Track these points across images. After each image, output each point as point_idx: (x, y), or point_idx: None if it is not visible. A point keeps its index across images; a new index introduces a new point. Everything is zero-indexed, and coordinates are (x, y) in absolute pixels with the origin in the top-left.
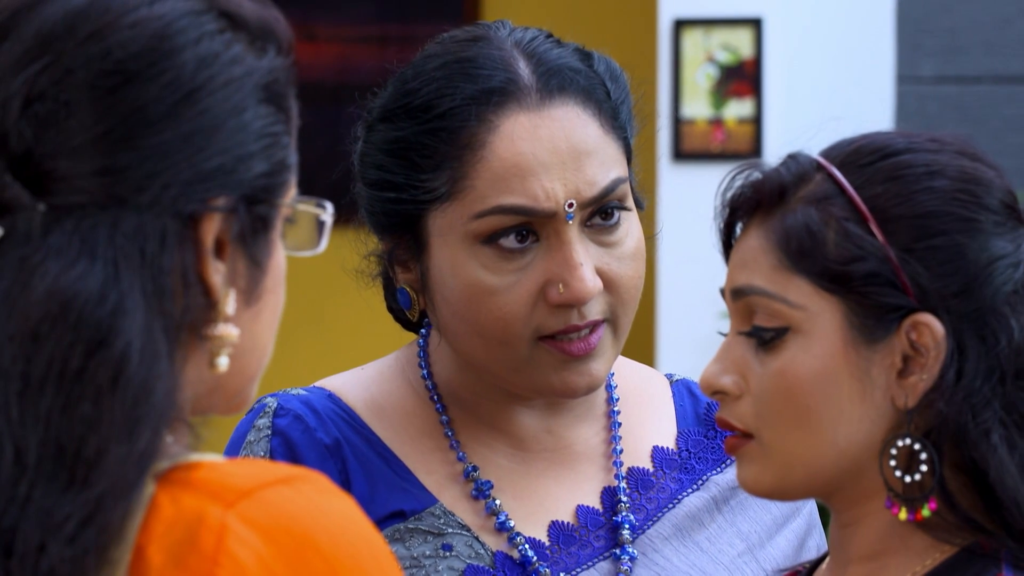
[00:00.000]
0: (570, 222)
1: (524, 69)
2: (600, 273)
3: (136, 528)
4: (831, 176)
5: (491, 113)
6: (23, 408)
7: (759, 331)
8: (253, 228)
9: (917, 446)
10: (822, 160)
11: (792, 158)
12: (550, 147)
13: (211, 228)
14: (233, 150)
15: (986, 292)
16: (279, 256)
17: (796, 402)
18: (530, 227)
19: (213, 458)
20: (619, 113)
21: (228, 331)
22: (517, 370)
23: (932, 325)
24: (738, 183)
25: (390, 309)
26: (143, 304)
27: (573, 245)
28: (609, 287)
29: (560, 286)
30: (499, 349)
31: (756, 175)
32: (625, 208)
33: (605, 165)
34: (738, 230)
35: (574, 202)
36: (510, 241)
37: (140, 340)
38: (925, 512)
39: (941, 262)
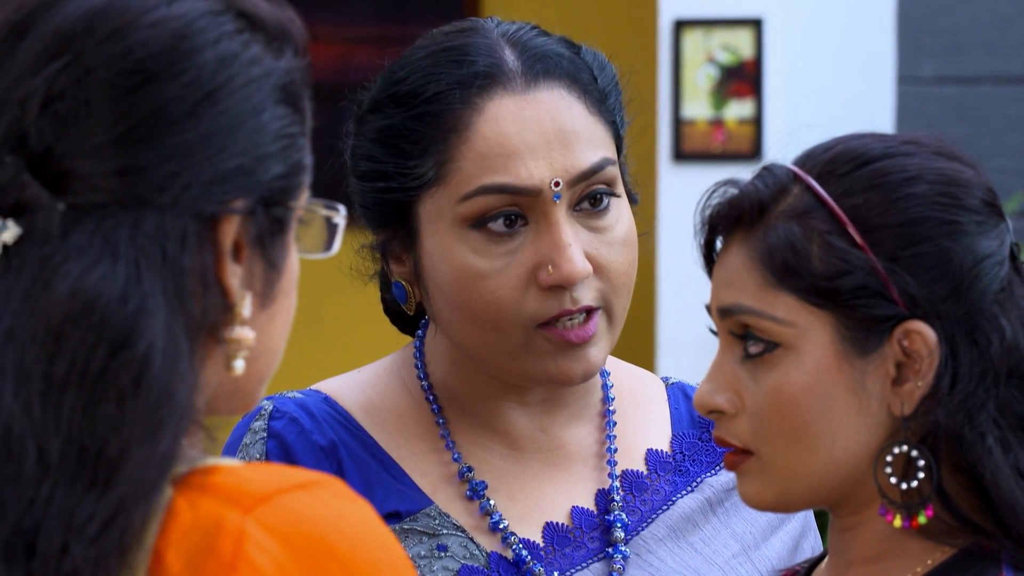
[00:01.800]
0: (557, 202)
1: (509, 55)
2: (590, 258)
3: (155, 533)
4: (810, 188)
5: (476, 96)
6: (45, 408)
7: (752, 339)
8: (270, 230)
9: (914, 453)
10: (799, 172)
11: (768, 171)
12: (536, 128)
13: (230, 230)
14: (252, 151)
15: (974, 294)
16: (293, 258)
17: (793, 418)
18: (519, 211)
19: (230, 462)
20: (606, 99)
21: (244, 334)
22: (513, 356)
23: (924, 332)
24: (715, 200)
25: (387, 311)
26: (165, 305)
27: (561, 226)
28: (599, 272)
29: (549, 267)
30: (493, 335)
31: (733, 191)
32: (614, 194)
33: (592, 145)
34: (718, 244)
35: (560, 181)
36: (498, 225)
37: (162, 341)
38: (921, 519)
39: (928, 268)
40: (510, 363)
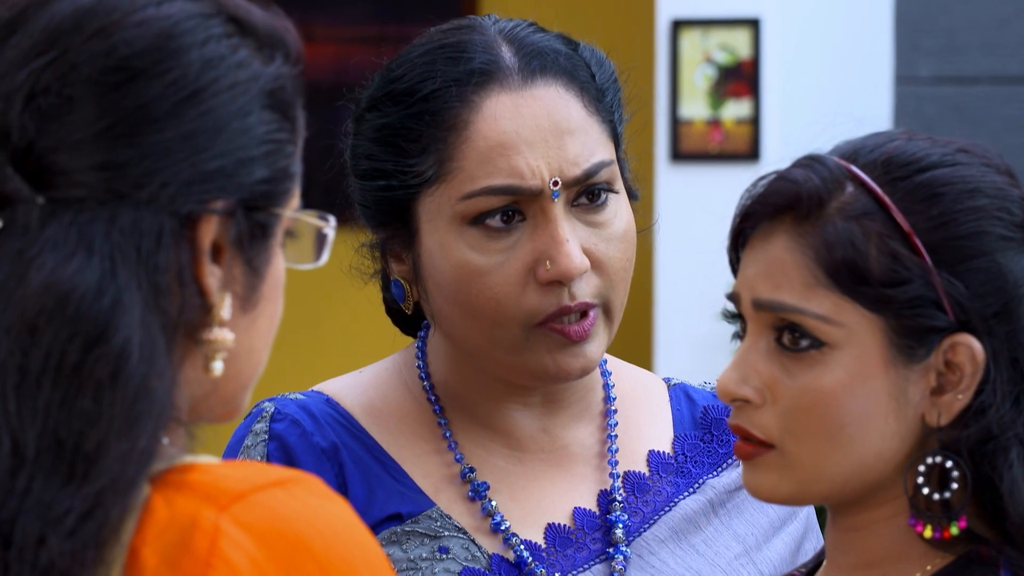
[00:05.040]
0: (556, 200)
1: (506, 52)
2: (587, 253)
3: (131, 530)
4: (870, 191)
5: (473, 94)
6: (20, 401)
7: (799, 331)
8: (251, 234)
9: (949, 463)
10: (858, 172)
11: (819, 163)
12: (532, 124)
13: (208, 230)
14: (234, 153)
15: (1020, 311)
16: (278, 265)
17: (830, 419)
18: (516, 207)
19: (208, 460)
20: (604, 96)
21: (223, 335)
22: (511, 352)
23: (973, 346)
24: (762, 187)
25: (389, 312)
26: (140, 300)
27: (559, 222)
28: (597, 268)
29: (547, 263)
30: (492, 331)
31: (782, 179)
32: (612, 191)
33: (588, 146)
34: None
35: (559, 180)
36: (496, 221)
37: (139, 336)
38: (954, 530)
39: (982, 282)
40: (509, 359)
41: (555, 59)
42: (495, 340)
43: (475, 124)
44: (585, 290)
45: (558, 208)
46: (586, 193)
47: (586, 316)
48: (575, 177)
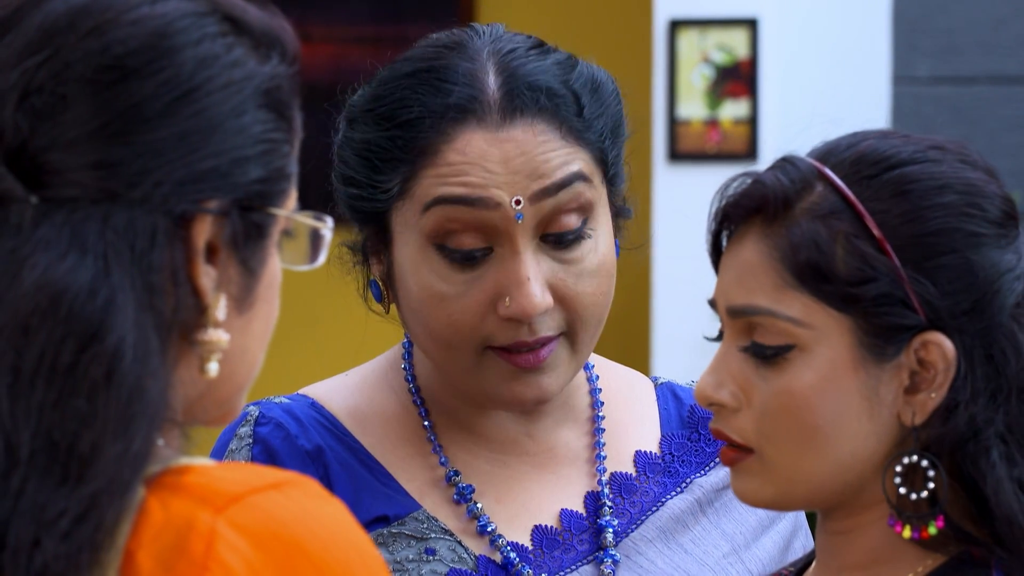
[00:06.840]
0: (520, 223)
1: (492, 83)
2: (554, 288)
3: (126, 532)
4: (838, 190)
5: (448, 126)
6: (14, 402)
7: (761, 349)
8: (246, 234)
9: (924, 463)
10: (828, 172)
11: (790, 164)
12: (502, 163)
13: (202, 230)
14: (229, 152)
15: (994, 309)
16: (274, 266)
17: (803, 421)
18: (485, 235)
19: (203, 462)
20: (592, 127)
21: (218, 336)
22: (466, 375)
23: (943, 344)
24: (733, 189)
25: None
26: (134, 300)
27: (522, 256)
28: (564, 303)
29: (507, 299)
30: (447, 353)
31: (751, 182)
32: (583, 236)
33: (563, 167)
34: (724, 238)
35: (521, 199)
36: (462, 244)
37: (132, 336)
38: (932, 530)
39: (951, 280)
40: (465, 380)
41: (537, 98)
42: (448, 361)
43: (443, 153)
44: (547, 324)
45: (524, 240)
46: (555, 239)
47: (543, 346)
48: (543, 188)
